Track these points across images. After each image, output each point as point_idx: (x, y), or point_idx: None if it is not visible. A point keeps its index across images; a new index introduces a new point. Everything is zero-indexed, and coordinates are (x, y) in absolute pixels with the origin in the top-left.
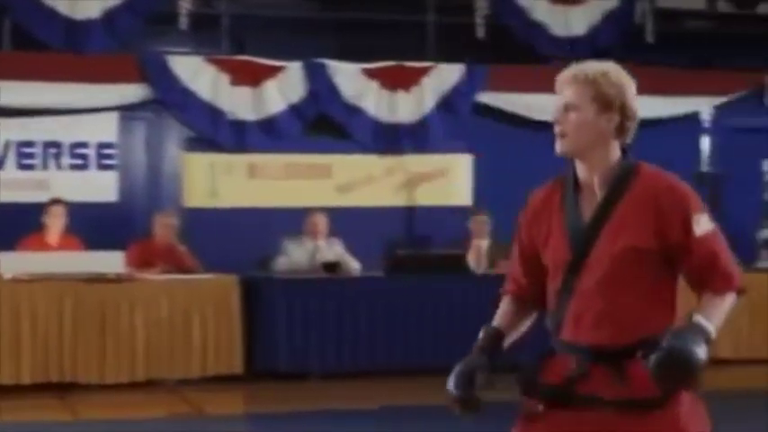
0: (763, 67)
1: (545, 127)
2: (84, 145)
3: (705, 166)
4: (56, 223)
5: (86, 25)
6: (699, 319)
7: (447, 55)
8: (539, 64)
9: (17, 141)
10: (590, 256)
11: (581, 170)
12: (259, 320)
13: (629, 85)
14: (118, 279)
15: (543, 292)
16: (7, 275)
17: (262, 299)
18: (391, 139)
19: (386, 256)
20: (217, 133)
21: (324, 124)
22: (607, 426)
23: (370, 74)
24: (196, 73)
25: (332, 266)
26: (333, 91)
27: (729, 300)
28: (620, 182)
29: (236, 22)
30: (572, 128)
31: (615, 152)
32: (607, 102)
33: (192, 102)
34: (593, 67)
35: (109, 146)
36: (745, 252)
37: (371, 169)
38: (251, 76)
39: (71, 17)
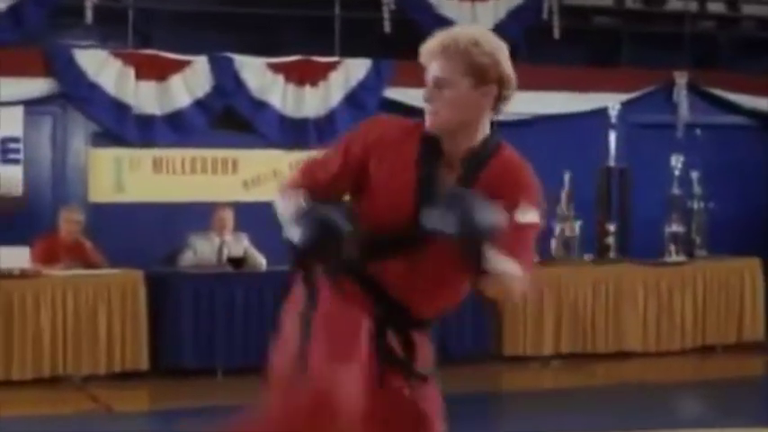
0: (671, 63)
1: None
2: None
3: (613, 162)
4: None
5: None
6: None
7: (354, 50)
8: None
9: None
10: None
11: (447, 144)
12: (165, 316)
13: (504, 50)
14: (23, 275)
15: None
16: None
17: (168, 294)
18: (298, 133)
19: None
20: (122, 128)
21: (230, 119)
22: None
23: (277, 68)
24: (102, 67)
25: (238, 261)
26: (239, 85)
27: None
28: (480, 161)
29: (142, 15)
30: (446, 105)
31: (485, 127)
32: (483, 73)
33: (97, 96)
34: (463, 35)
35: (14, 140)
36: (653, 247)
37: (278, 164)
38: (157, 71)
39: None
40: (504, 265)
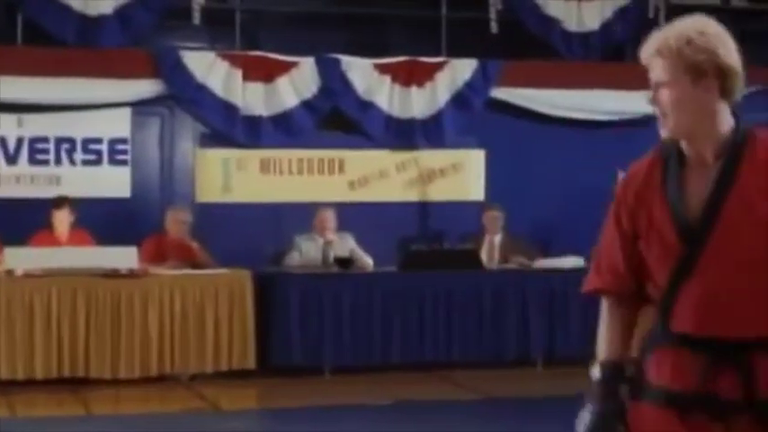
0: None
1: (557, 122)
2: (97, 141)
3: None
4: (62, 220)
5: (99, 21)
6: None
7: (460, 50)
8: (552, 59)
9: (30, 137)
10: (714, 233)
11: (689, 146)
12: (273, 316)
13: (721, 40)
14: (131, 274)
15: (642, 286)
16: (19, 271)
17: (275, 294)
18: (404, 134)
19: (399, 251)
20: (230, 129)
21: (336, 119)
22: None
23: (383, 69)
24: (209, 68)
25: (345, 262)
26: (345, 86)
27: None
28: (736, 154)
29: (249, 17)
30: (670, 107)
31: (726, 118)
32: (699, 69)
33: (205, 97)
34: (675, 33)
35: (122, 141)
36: None
37: (384, 164)
38: (264, 72)
39: (84, 12)
40: None
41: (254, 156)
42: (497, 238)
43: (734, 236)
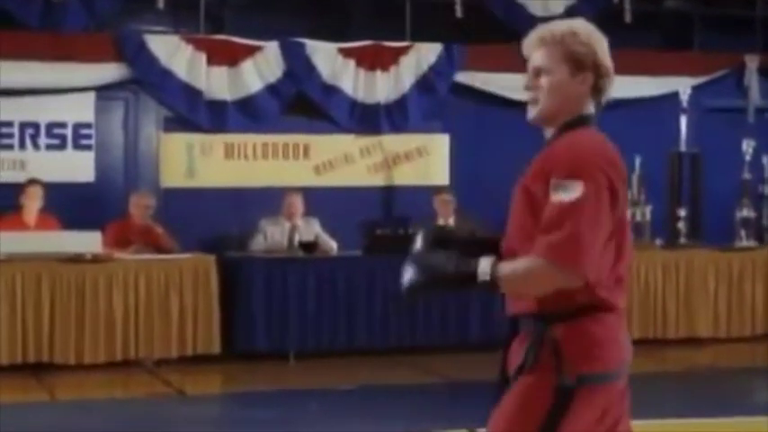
0: (742, 47)
1: (522, 106)
2: (61, 125)
3: (684, 147)
4: (32, 204)
5: (63, 4)
6: (486, 260)
7: (425, 34)
8: (516, 43)
9: None
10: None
11: (546, 130)
12: (237, 300)
13: (601, 41)
14: (95, 259)
15: None
16: None
17: (240, 279)
18: (369, 118)
19: (364, 235)
20: (194, 113)
21: (301, 104)
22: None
23: (348, 53)
24: (173, 52)
25: (309, 246)
26: (310, 70)
27: (536, 264)
28: (552, 140)
29: (214, 0)
30: (544, 92)
31: (587, 113)
32: (579, 61)
33: (169, 82)
34: (560, 25)
35: (86, 126)
36: (724, 232)
37: (349, 149)
38: (228, 56)
39: None
40: (503, 269)
41: (218, 140)
42: (450, 222)
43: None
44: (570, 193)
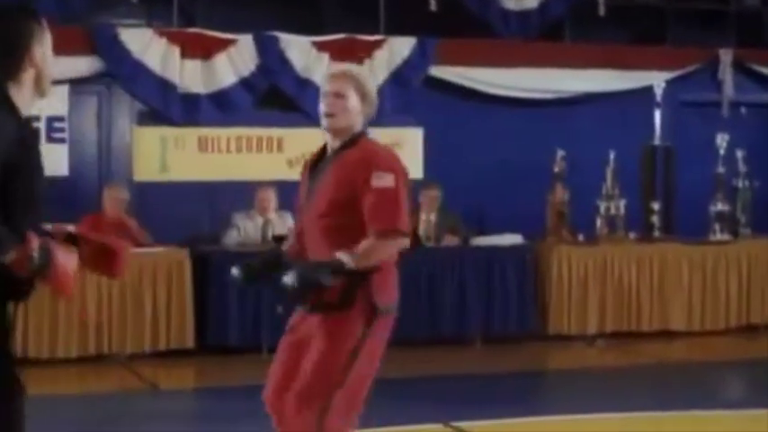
0: (716, 41)
1: (495, 100)
2: (34, 119)
3: (657, 140)
4: None
5: None
6: (338, 254)
7: (398, 28)
8: (490, 38)
9: None
10: (310, 204)
11: (333, 141)
12: (211, 294)
13: (369, 84)
14: None
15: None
16: None
17: (213, 273)
18: None
19: None
20: (167, 107)
21: (275, 98)
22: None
23: (321, 47)
24: (147, 46)
25: (283, 240)
26: (283, 64)
27: (385, 240)
28: (341, 150)
29: None
30: (340, 110)
31: (361, 128)
32: (364, 93)
33: (142, 75)
34: (356, 68)
35: (59, 119)
36: (698, 225)
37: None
38: (201, 49)
39: None
40: (358, 256)
41: (191, 134)
42: (433, 216)
43: (312, 207)
44: None
